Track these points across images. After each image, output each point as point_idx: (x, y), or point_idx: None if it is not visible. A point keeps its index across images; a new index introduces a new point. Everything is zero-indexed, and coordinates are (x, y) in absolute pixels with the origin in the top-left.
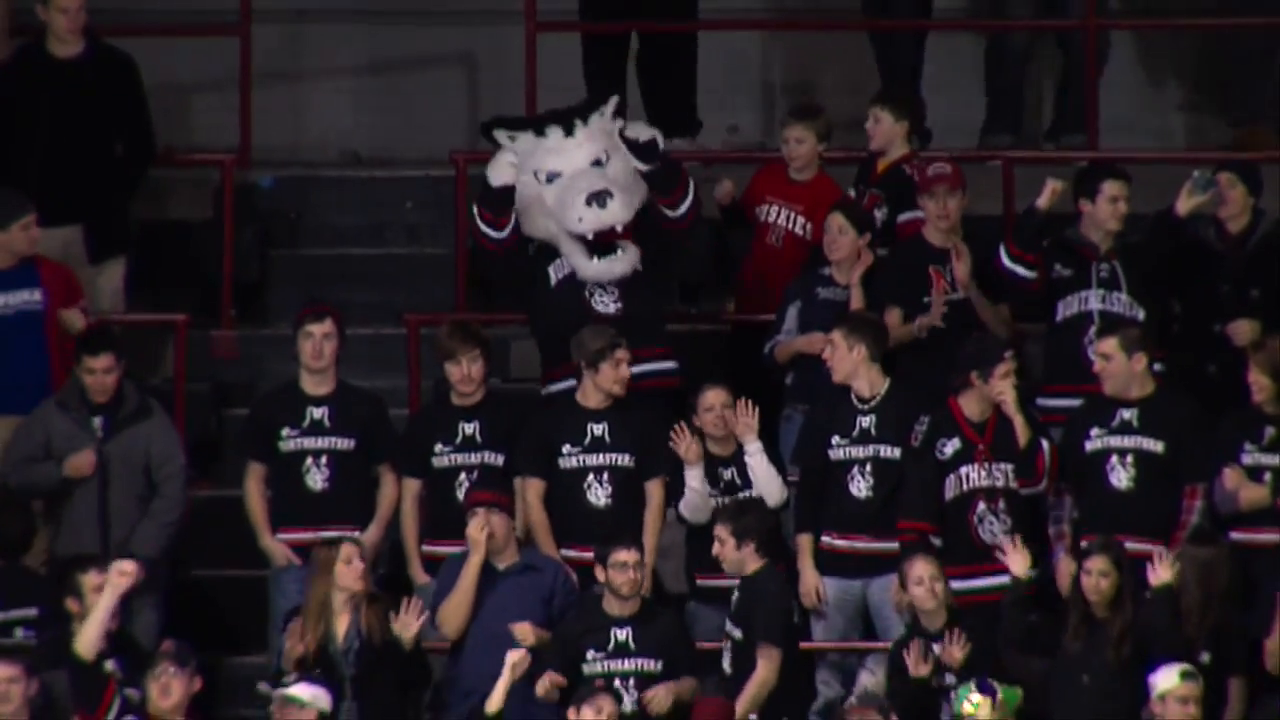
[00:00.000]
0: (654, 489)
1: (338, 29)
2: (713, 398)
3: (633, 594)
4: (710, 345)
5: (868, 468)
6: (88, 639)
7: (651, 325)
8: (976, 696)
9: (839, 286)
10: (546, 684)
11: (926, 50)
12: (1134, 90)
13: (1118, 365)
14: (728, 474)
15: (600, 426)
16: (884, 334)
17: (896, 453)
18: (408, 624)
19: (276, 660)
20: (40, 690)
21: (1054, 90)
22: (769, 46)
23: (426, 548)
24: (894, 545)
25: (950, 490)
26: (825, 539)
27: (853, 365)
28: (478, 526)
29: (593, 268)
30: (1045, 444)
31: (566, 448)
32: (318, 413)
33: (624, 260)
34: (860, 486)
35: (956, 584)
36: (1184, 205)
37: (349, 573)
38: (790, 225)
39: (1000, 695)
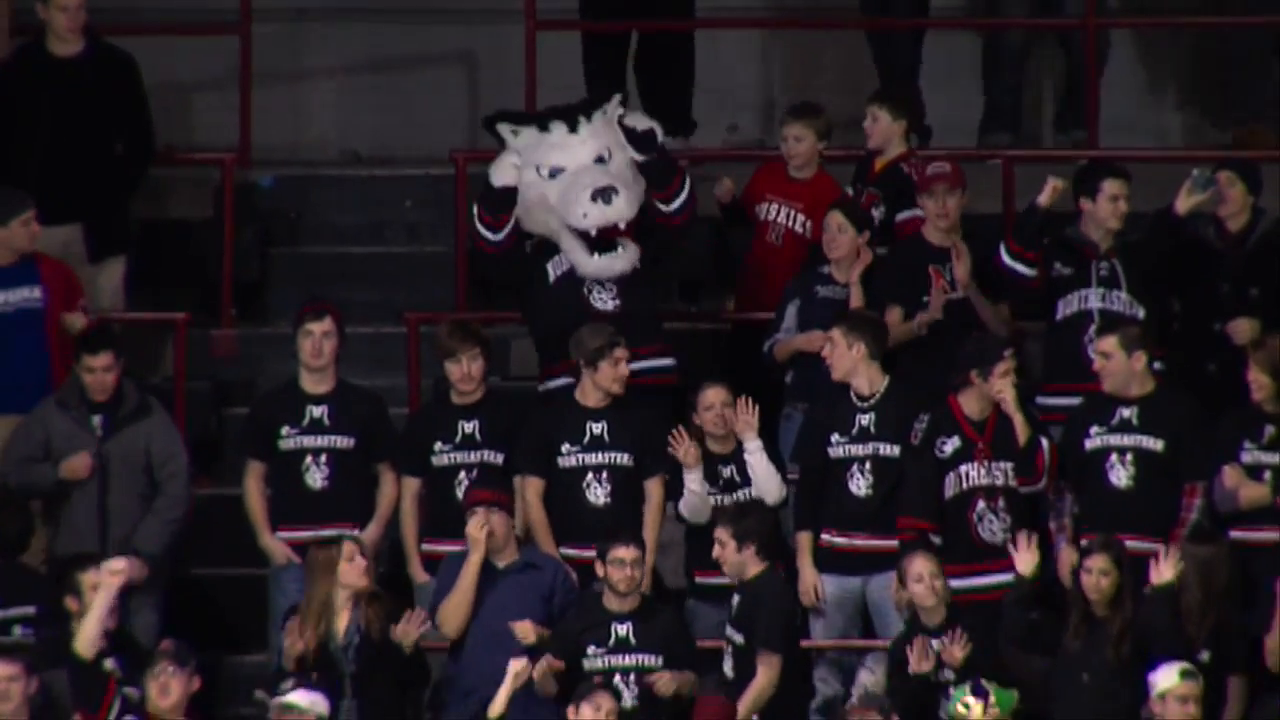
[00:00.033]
0: (653, 487)
1: (338, 28)
2: (712, 396)
3: (629, 591)
4: (710, 343)
5: (867, 466)
6: (86, 638)
7: (649, 323)
8: (969, 699)
9: (838, 285)
10: (544, 667)
11: (926, 49)
12: (1134, 89)
13: (1117, 364)
14: (727, 471)
15: (599, 425)
16: (883, 332)
17: (896, 451)
18: (408, 633)
19: (277, 659)
20: (40, 689)
21: (1054, 88)
22: (769, 45)
23: (426, 546)
24: (894, 543)
25: (950, 489)
26: (825, 536)
27: (852, 363)
28: (477, 525)
29: (593, 264)
30: (1045, 442)
31: (566, 446)
32: (317, 411)
33: (624, 257)
34: (860, 484)
35: (956, 582)
36: (1183, 204)
37: (352, 570)
38: (790, 223)
39: (993, 698)
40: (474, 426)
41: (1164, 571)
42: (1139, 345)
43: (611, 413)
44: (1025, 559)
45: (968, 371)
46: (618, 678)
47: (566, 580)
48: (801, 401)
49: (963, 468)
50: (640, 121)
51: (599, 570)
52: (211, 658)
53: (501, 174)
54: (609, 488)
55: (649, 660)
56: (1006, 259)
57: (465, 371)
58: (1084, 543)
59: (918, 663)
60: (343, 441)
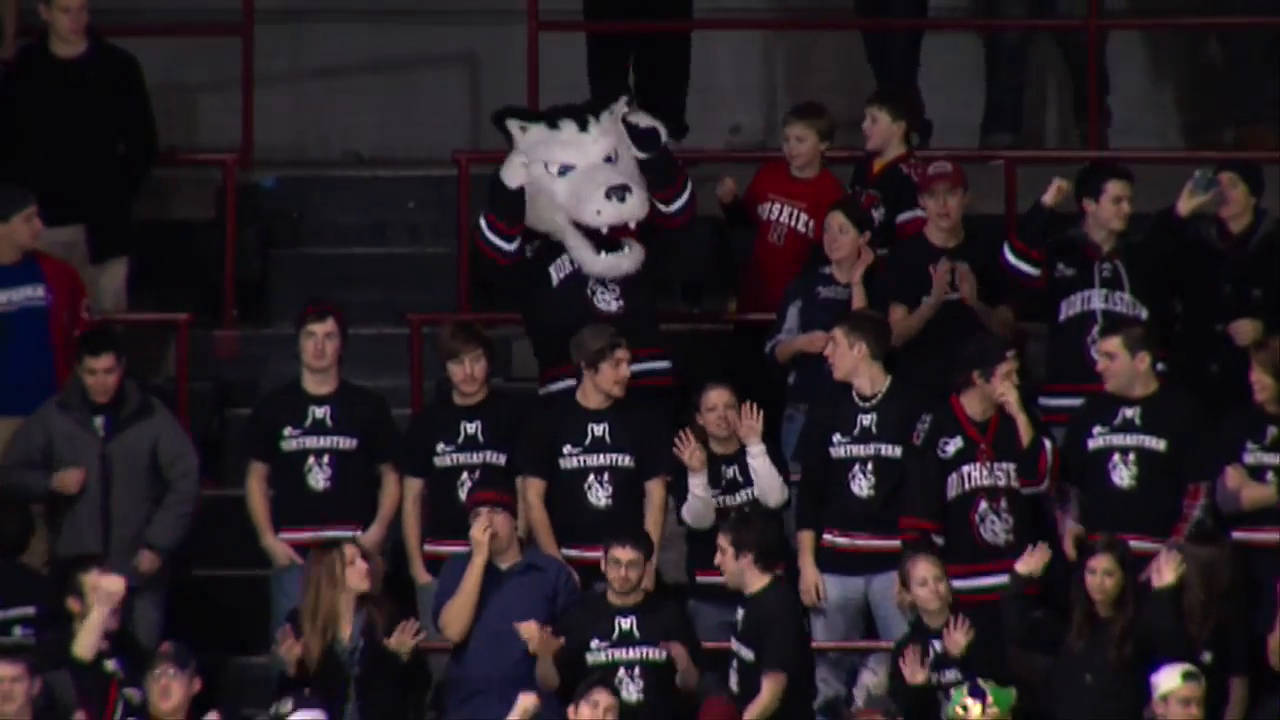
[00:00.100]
0: (654, 488)
1: (340, 29)
2: (715, 397)
3: (625, 591)
4: (712, 344)
5: (869, 466)
6: (84, 644)
7: (648, 325)
8: (967, 700)
9: (840, 285)
10: (540, 638)
11: (927, 50)
12: (1136, 90)
13: (1121, 364)
14: (730, 472)
15: (601, 427)
16: (885, 332)
17: (897, 451)
18: (404, 642)
19: (275, 667)
20: (43, 689)
21: (1055, 87)
22: (771, 46)
23: (428, 547)
24: (896, 543)
25: (952, 489)
26: (827, 537)
27: (853, 363)
28: (481, 528)
29: (600, 262)
30: (1047, 444)
31: (567, 448)
32: (320, 412)
33: (630, 257)
34: (861, 485)
35: (958, 583)
36: (1185, 205)
37: (354, 573)
38: (792, 223)
39: (990, 697)
40: (476, 427)
41: (1164, 575)
42: (1143, 346)
43: (613, 414)
44: (1030, 559)
45: (970, 372)
46: (621, 671)
47: (569, 581)
48: (804, 402)
49: (965, 468)
50: (643, 119)
51: (603, 566)
52: (214, 659)
53: (514, 175)
54: (610, 489)
55: (653, 654)
56: (1010, 258)
57: (468, 372)
58: (1087, 543)
59: (912, 674)
60: (345, 442)
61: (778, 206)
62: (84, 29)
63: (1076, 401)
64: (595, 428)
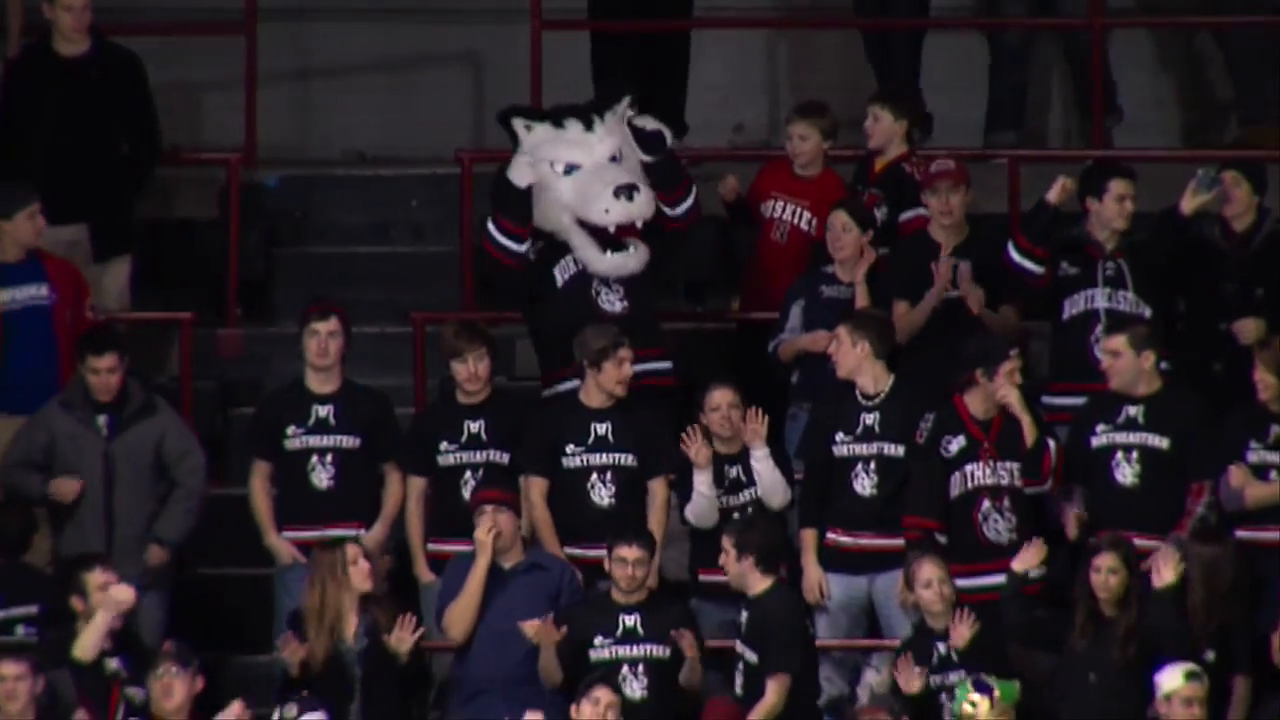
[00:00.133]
0: (657, 487)
1: (343, 27)
2: (719, 397)
3: (631, 589)
4: (716, 343)
5: (871, 465)
6: (85, 646)
7: (651, 325)
8: (975, 696)
9: (842, 284)
10: (540, 629)
11: (931, 50)
12: (1139, 89)
13: (1126, 362)
14: (733, 472)
15: (603, 426)
16: (889, 331)
17: (900, 450)
18: (403, 640)
19: (278, 668)
20: (46, 688)
21: (1059, 86)
22: (774, 45)
23: (432, 546)
24: (899, 542)
25: (955, 488)
26: (830, 535)
27: (856, 361)
28: (485, 529)
29: (606, 262)
30: (1051, 443)
31: (570, 447)
32: (323, 411)
33: (636, 257)
34: (864, 484)
35: (960, 582)
36: (1188, 204)
37: (357, 573)
38: (795, 220)
39: (998, 692)
40: (480, 426)
41: (1164, 574)
42: (1147, 344)
43: (615, 413)
44: (1026, 555)
45: (973, 371)
46: (625, 668)
47: (573, 581)
48: (807, 401)
49: (968, 467)
50: (649, 123)
51: (606, 566)
52: (217, 657)
53: (521, 174)
54: (613, 488)
55: (657, 651)
56: (1015, 256)
57: (471, 371)
58: (1092, 541)
59: (907, 683)
60: (348, 441)
61: (780, 204)
62: (87, 28)
63: (1079, 400)
64: (598, 427)
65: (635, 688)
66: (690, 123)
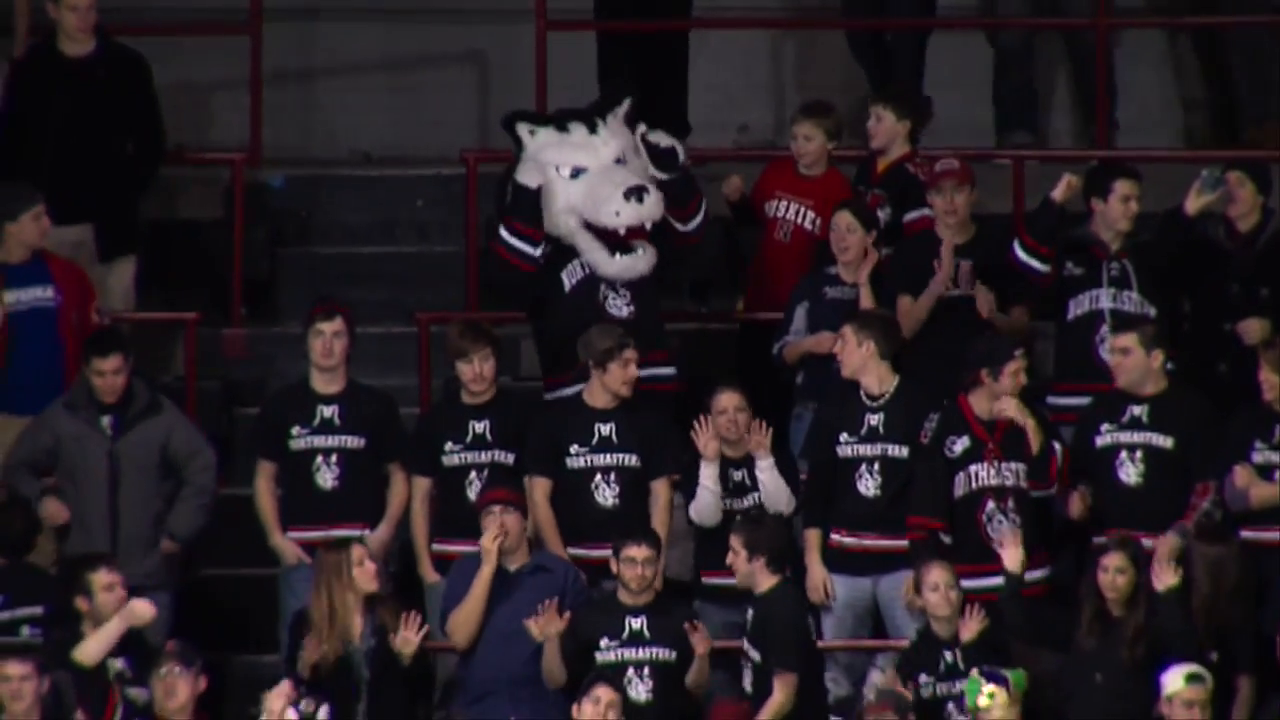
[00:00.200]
0: (660, 487)
1: (348, 27)
2: (726, 400)
3: (640, 589)
4: (720, 343)
5: (875, 466)
6: (89, 652)
7: (657, 329)
8: (990, 687)
9: (846, 285)
10: (542, 622)
11: (937, 49)
12: (1144, 89)
13: (1135, 360)
14: (738, 475)
15: (607, 426)
16: (895, 331)
17: (904, 451)
18: (408, 640)
19: (286, 665)
20: (51, 688)
21: (1064, 86)
22: (779, 45)
23: (436, 546)
24: (903, 543)
25: (959, 488)
26: (835, 536)
27: (861, 360)
28: (491, 538)
29: (615, 264)
30: (1057, 446)
31: (574, 448)
32: (328, 411)
33: (644, 259)
34: (868, 485)
35: (964, 582)
36: (1192, 204)
37: (363, 574)
38: (799, 220)
39: (1011, 680)
40: (484, 426)
41: (1165, 578)
42: (1157, 344)
43: (619, 414)
44: (1012, 554)
45: (978, 371)
46: (630, 671)
47: (577, 582)
48: (812, 401)
49: (972, 468)
50: (663, 139)
51: (613, 567)
52: (221, 657)
53: (531, 176)
54: (617, 489)
55: (663, 654)
56: (1020, 254)
57: (476, 371)
58: (1100, 540)
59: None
60: (353, 441)
61: (784, 203)
62: (92, 28)
63: (1084, 401)
64: (602, 427)
65: (641, 690)
66: (695, 122)
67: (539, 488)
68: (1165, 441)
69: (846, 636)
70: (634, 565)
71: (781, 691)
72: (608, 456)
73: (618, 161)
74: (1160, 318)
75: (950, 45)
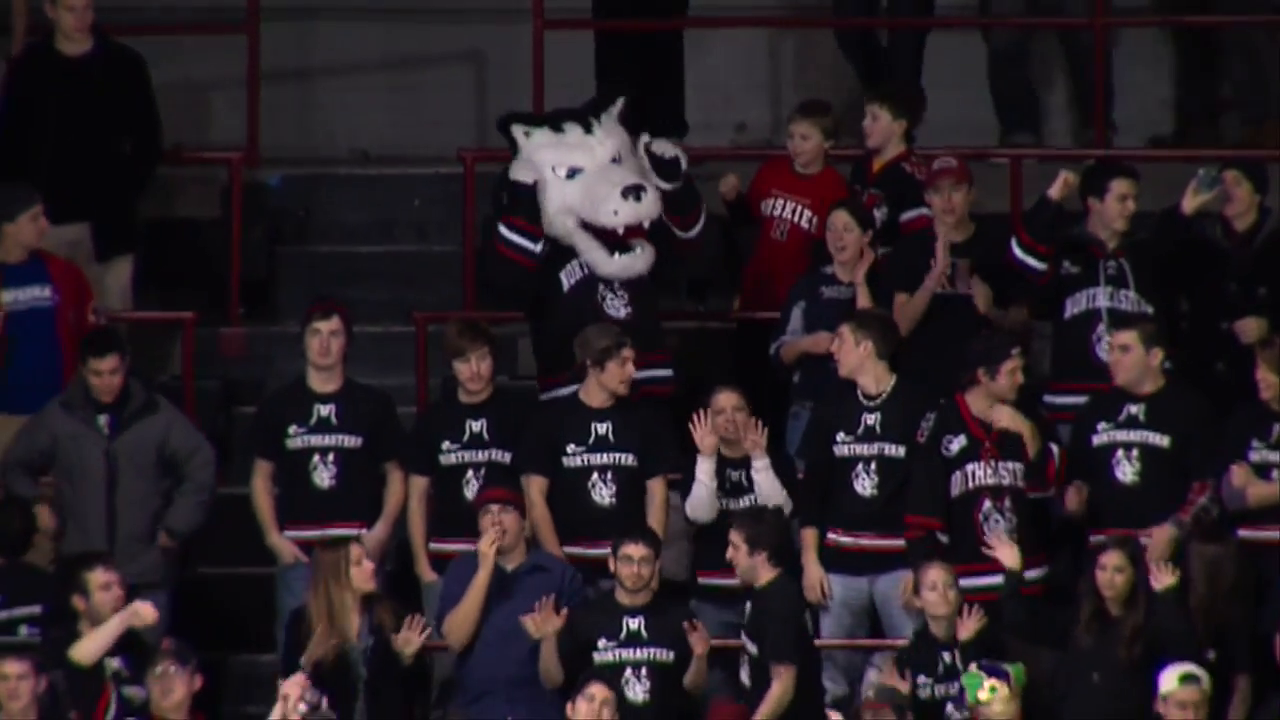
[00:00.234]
0: (656, 486)
1: (346, 27)
2: (724, 400)
3: (637, 588)
4: (717, 342)
5: (872, 465)
6: (86, 651)
7: (655, 330)
8: (992, 681)
9: (843, 285)
10: (539, 619)
11: (936, 48)
12: (1141, 88)
13: (1135, 357)
14: (735, 475)
15: (604, 426)
16: (892, 331)
17: (901, 451)
18: (410, 640)
19: (282, 662)
20: (49, 688)
21: (1060, 86)
22: (776, 44)
23: (434, 545)
24: (900, 542)
25: (956, 487)
26: (831, 536)
27: (859, 360)
28: (488, 542)
29: (614, 263)
30: (1055, 449)
31: (570, 447)
32: (325, 410)
33: (642, 258)
34: (865, 484)
35: (962, 581)
36: (1189, 203)
37: (360, 573)
38: (795, 219)
39: (1012, 674)
40: (482, 425)
41: (1163, 577)
42: (1156, 342)
43: (616, 413)
44: (1007, 553)
45: (975, 369)
46: (628, 671)
47: (575, 581)
48: (809, 400)
49: (969, 467)
50: (667, 149)
51: (611, 566)
52: (218, 656)
53: (525, 173)
54: (614, 488)
55: (660, 655)
56: (1018, 253)
57: (474, 371)
58: (1098, 539)
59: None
60: (350, 440)
61: (781, 202)
62: (89, 27)
63: (1080, 400)
64: (598, 426)
65: (638, 691)
66: (692, 122)
67: (535, 487)
68: (1162, 440)
69: (843, 636)
70: (630, 563)
71: (780, 685)
72: (604, 456)
73: (614, 161)
74: (1158, 317)
75: (949, 45)
